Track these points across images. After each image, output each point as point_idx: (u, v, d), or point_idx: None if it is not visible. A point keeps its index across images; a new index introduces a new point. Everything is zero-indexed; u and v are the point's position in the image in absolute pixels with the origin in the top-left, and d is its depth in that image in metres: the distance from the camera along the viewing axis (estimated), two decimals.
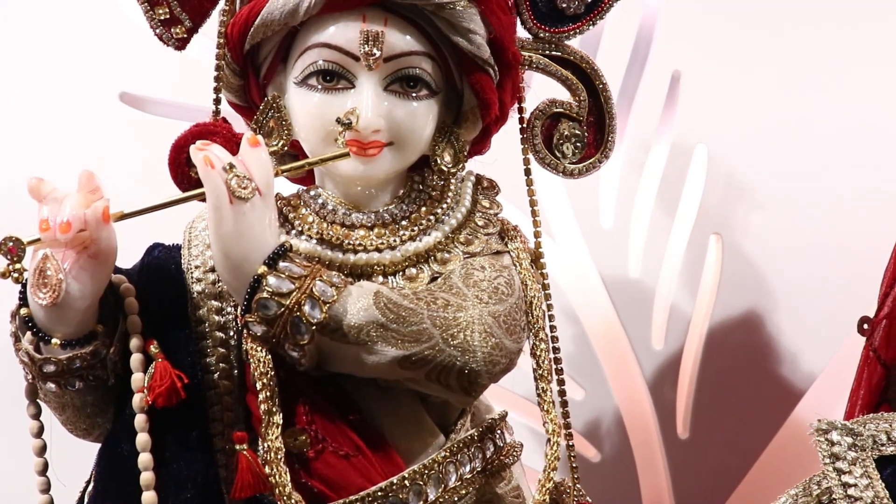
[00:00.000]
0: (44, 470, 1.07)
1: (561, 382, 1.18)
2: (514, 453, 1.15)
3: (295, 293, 0.99)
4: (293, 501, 1.02)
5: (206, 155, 1.01)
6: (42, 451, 1.07)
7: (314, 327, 1.00)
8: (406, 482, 1.04)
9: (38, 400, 1.07)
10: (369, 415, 1.06)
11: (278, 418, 1.03)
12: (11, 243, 1.00)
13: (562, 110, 1.18)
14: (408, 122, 1.08)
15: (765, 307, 1.76)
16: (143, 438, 1.04)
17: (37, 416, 1.07)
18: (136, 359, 1.05)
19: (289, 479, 1.02)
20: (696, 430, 1.79)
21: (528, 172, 1.19)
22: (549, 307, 1.16)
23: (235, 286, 1.03)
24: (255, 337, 1.02)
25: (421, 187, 1.15)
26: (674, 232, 1.80)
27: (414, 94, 1.08)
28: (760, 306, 1.76)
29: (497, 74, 1.12)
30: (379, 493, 1.03)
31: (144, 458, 1.04)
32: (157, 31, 1.11)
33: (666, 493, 1.80)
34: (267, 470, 1.02)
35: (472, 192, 1.17)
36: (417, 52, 1.07)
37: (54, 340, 1.03)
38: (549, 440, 1.10)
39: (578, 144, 1.18)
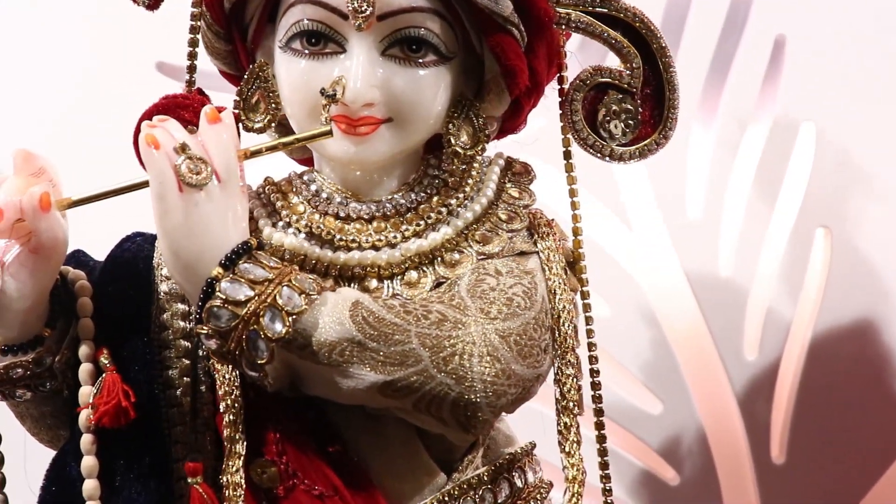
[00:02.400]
0: (2, 484, 0.98)
1: (599, 414, 1.01)
2: (540, 496, 1.00)
3: (252, 301, 0.85)
4: None
5: (148, 134, 0.87)
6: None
7: (274, 343, 0.85)
8: None
9: None
10: (353, 447, 0.92)
11: (241, 447, 0.91)
12: None
13: (609, 80, 0.98)
14: (410, 93, 0.92)
15: (879, 314, 1.64)
16: (89, 462, 0.93)
17: None
18: (84, 369, 0.95)
19: None
20: (794, 455, 1.66)
21: (567, 155, 1.01)
22: (589, 321, 1.00)
23: (189, 290, 0.89)
24: (211, 352, 0.90)
25: (435, 172, 0.99)
26: (773, 224, 1.67)
27: (419, 60, 0.92)
28: (874, 312, 1.64)
29: (524, 36, 0.95)
30: None
31: (90, 486, 0.93)
32: None
33: None
34: None
35: (499, 178, 1.00)
36: (421, 7, 0.92)
37: None
38: (566, 490, 0.95)
39: (630, 122, 0.98)
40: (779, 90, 1.64)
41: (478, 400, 0.85)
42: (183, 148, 0.87)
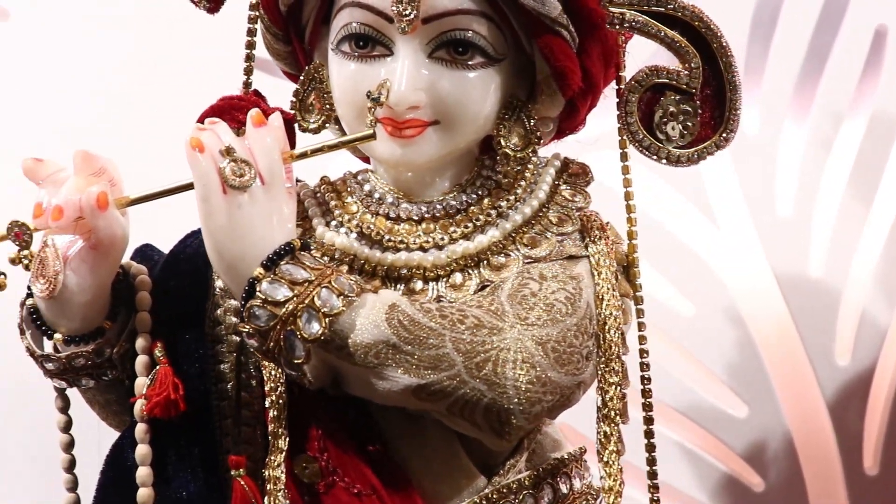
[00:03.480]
0: (70, 467, 1.03)
1: (649, 423, 0.99)
2: (586, 503, 0.99)
3: (291, 302, 0.86)
4: None
5: (192, 137, 0.90)
6: (69, 447, 1.02)
7: (310, 344, 0.87)
8: None
9: (66, 393, 1.03)
10: (393, 447, 0.93)
11: (283, 443, 0.93)
12: (17, 228, 0.94)
13: (666, 81, 0.94)
14: (456, 95, 0.92)
15: None
16: (142, 450, 0.96)
17: (64, 409, 1.03)
18: (140, 361, 0.97)
19: None
20: (890, 466, 1.64)
21: (623, 157, 0.98)
22: (641, 327, 0.98)
23: (234, 289, 0.91)
24: (254, 349, 0.92)
25: (489, 173, 0.99)
26: (869, 223, 1.65)
27: (466, 63, 0.92)
28: None
29: (575, 37, 0.94)
30: None
31: (143, 473, 0.96)
32: None
33: None
34: (266, 501, 0.93)
35: (553, 179, 0.99)
36: (467, 10, 0.92)
37: (57, 336, 0.96)
38: (601, 499, 0.95)
39: (689, 123, 0.95)
40: (879, 84, 1.61)
41: (510, 406, 0.85)
42: (228, 151, 0.89)
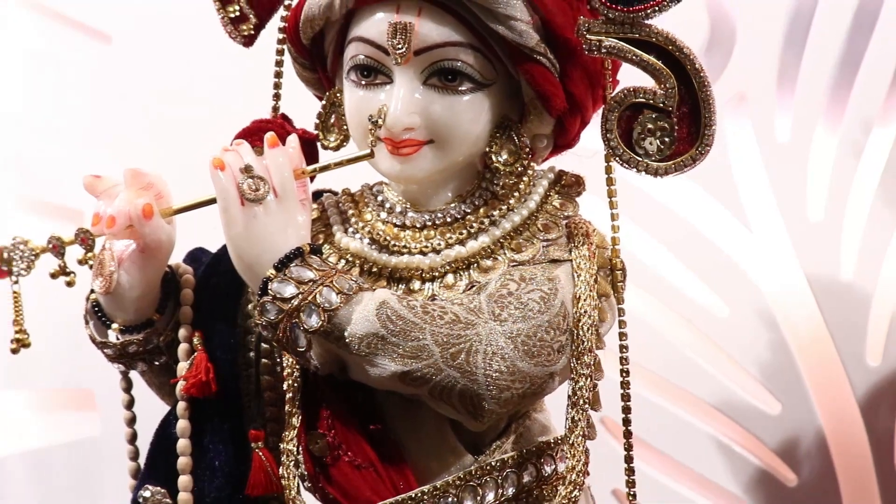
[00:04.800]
0: (132, 439, 1.15)
1: (627, 424, 1.05)
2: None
3: (296, 298, 0.97)
4: None
5: (215, 158, 1.01)
6: (131, 422, 1.15)
7: (311, 335, 0.98)
8: (411, 501, 1.00)
9: (129, 375, 1.15)
10: (391, 427, 1.03)
11: (296, 420, 1.04)
12: (83, 234, 1.06)
13: (644, 100, 1.00)
14: (447, 118, 1.01)
15: None
16: (182, 425, 1.09)
17: (127, 389, 1.15)
18: (181, 348, 1.09)
19: (297, 483, 1.03)
20: None
21: (608, 170, 1.05)
22: (622, 324, 1.05)
23: (252, 288, 1.03)
24: (268, 340, 1.04)
25: (487, 185, 1.07)
26: None
27: (457, 88, 1.01)
28: None
29: (555, 63, 1.02)
30: None
31: (183, 444, 1.08)
32: (227, 28, 1.12)
33: None
34: (280, 471, 1.04)
35: (546, 190, 1.07)
36: (454, 42, 1.00)
37: (114, 325, 1.08)
38: (565, 478, 1.00)
39: (666, 139, 1.01)
40: None
41: (481, 392, 0.94)
42: (247, 169, 1.00)
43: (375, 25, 1.00)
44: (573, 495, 0.98)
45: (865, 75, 1.64)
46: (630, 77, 1.02)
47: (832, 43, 1.65)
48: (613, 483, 1.67)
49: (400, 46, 0.99)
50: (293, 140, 1.03)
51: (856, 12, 1.64)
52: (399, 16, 0.99)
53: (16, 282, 1.03)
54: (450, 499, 1.00)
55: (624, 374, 1.04)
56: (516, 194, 1.05)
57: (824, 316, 1.66)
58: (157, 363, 1.10)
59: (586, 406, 0.99)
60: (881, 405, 1.65)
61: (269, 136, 1.02)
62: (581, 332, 0.99)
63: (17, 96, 1.76)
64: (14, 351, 1.03)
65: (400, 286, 1.03)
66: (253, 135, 1.06)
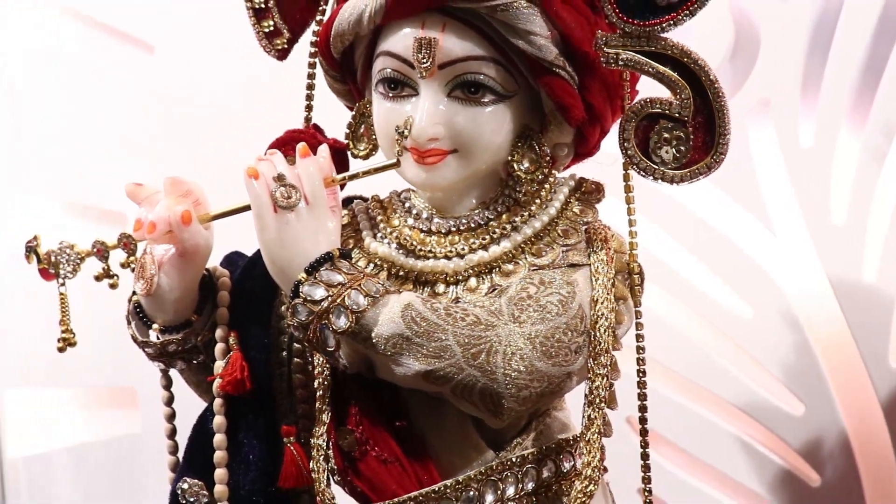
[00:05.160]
0: (172, 434, 1.19)
1: (643, 422, 1.08)
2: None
3: (325, 301, 1.01)
4: (328, 498, 1.07)
5: (249, 167, 1.05)
6: (171, 418, 1.19)
7: (339, 335, 1.02)
8: (434, 495, 1.04)
9: (168, 373, 1.19)
10: (416, 423, 1.07)
11: (326, 417, 1.08)
12: (125, 239, 1.11)
13: (659, 110, 1.03)
14: (470, 128, 1.05)
15: None
16: (218, 420, 1.13)
17: (167, 387, 1.19)
18: (218, 348, 1.13)
19: (326, 476, 1.08)
20: None
21: (626, 178, 1.08)
22: (639, 326, 1.08)
23: (285, 291, 1.07)
24: (300, 340, 1.07)
25: (510, 192, 1.11)
26: None
27: (479, 100, 1.05)
28: None
29: (574, 76, 1.05)
30: (409, 502, 1.04)
31: (219, 439, 1.12)
32: (262, 42, 1.16)
33: None
34: (311, 465, 1.08)
35: (566, 197, 1.10)
36: (477, 56, 1.04)
37: (155, 325, 1.12)
38: (580, 473, 1.03)
39: (682, 148, 1.04)
40: None
41: (501, 391, 0.98)
42: (280, 177, 1.04)
43: (402, 40, 1.04)
44: (589, 489, 1.01)
45: (888, 81, 1.64)
46: (647, 88, 1.05)
47: (855, 49, 1.66)
48: (639, 483, 1.71)
49: (425, 61, 1.03)
50: (324, 150, 1.07)
51: (879, 18, 1.64)
52: (424, 31, 1.03)
53: (62, 284, 1.06)
54: (471, 492, 1.03)
55: (641, 374, 1.07)
56: (537, 201, 1.08)
57: (847, 318, 1.67)
58: (195, 362, 1.14)
59: (602, 404, 1.02)
60: None
61: (301, 146, 1.06)
62: (598, 334, 1.02)
63: (63, 104, 1.80)
64: (61, 350, 1.07)
65: (425, 289, 1.07)
66: (286, 144, 1.10)
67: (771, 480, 1.71)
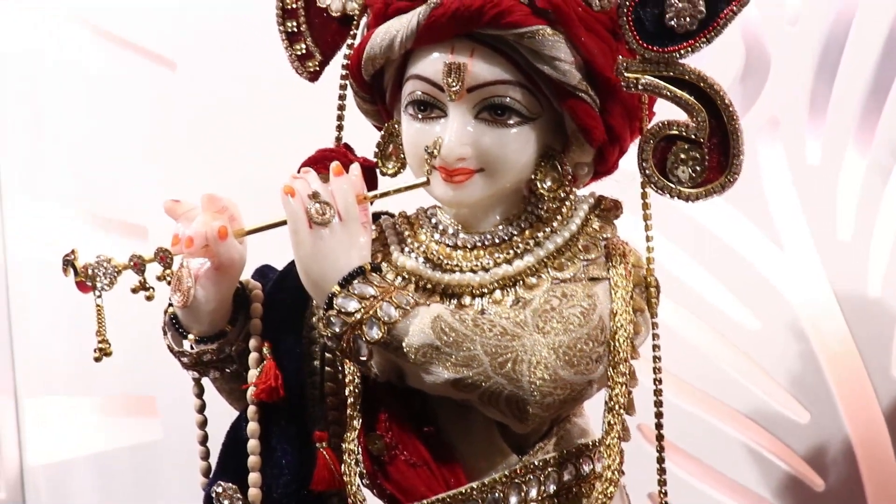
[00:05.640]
0: (203, 441, 1.22)
1: (659, 427, 1.12)
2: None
3: (359, 312, 1.04)
4: (359, 500, 1.10)
5: (286, 185, 1.09)
6: (203, 425, 1.21)
7: (372, 346, 1.05)
8: (461, 497, 1.07)
9: (201, 382, 1.21)
10: (444, 429, 1.10)
11: (357, 423, 1.11)
12: (162, 253, 1.14)
13: (676, 132, 1.08)
14: (496, 149, 1.09)
15: None
16: (252, 427, 1.15)
17: (199, 395, 1.21)
18: (252, 357, 1.16)
19: (357, 479, 1.10)
20: None
21: (643, 196, 1.12)
22: (655, 337, 1.12)
23: (318, 303, 1.10)
24: (331, 349, 1.11)
25: (532, 209, 1.14)
26: None
27: (505, 122, 1.08)
28: None
29: (596, 99, 1.09)
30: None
31: (252, 444, 1.15)
32: (294, 64, 1.20)
33: None
34: (342, 469, 1.11)
35: (586, 214, 1.14)
36: (504, 80, 1.08)
37: (190, 336, 1.14)
38: (602, 476, 1.07)
39: (698, 168, 1.08)
40: None
41: (526, 397, 1.02)
42: (314, 195, 1.07)
43: (432, 65, 1.08)
44: (609, 491, 1.05)
45: (894, 102, 1.67)
46: (664, 111, 1.10)
47: (862, 71, 1.68)
48: (649, 487, 1.67)
49: (454, 84, 1.07)
50: (356, 168, 1.11)
51: (885, 41, 1.67)
52: (453, 56, 1.07)
53: (99, 296, 1.09)
54: (497, 494, 1.07)
55: (657, 383, 1.11)
56: (559, 218, 1.12)
57: (852, 330, 1.69)
58: (228, 371, 1.17)
59: (622, 411, 1.07)
60: None
61: (335, 165, 1.09)
62: (617, 344, 1.06)
63: (87, 120, 1.83)
64: (97, 359, 1.10)
65: (452, 301, 1.11)
66: (318, 163, 1.13)
67: (777, 486, 1.74)
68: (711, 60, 1.61)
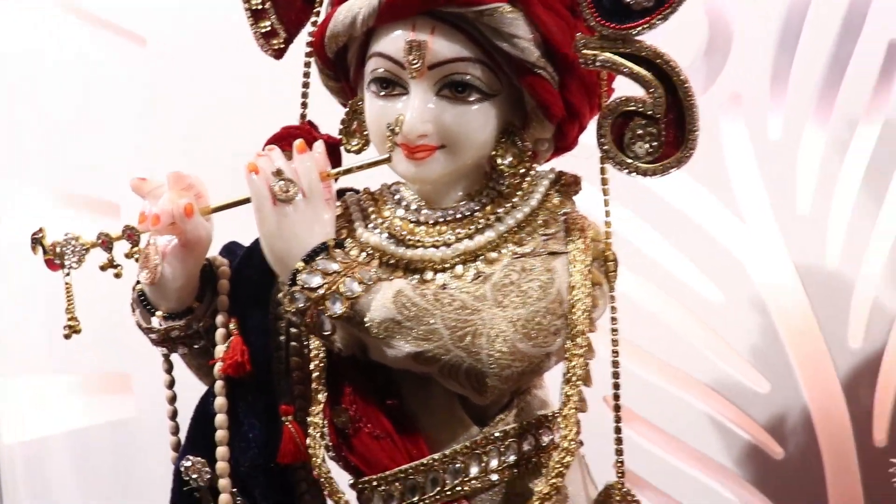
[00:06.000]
0: (173, 416, 1.23)
1: (616, 398, 1.15)
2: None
3: (323, 288, 1.06)
4: (324, 472, 1.12)
5: (250, 162, 1.10)
6: (172, 400, 1.23)
7: (335, 320, 1.07)
8: (423, 468, 1.09)
9: (170, 358, 1.23)
10: (406, 402, 1.12)
11: (322, 396, 1.13)
12: (129, 231, 1.15)
13: (634, 108, 1.09)
14: (457, 125, 1.10)
15: None
16: (220, 401, 1.17)
17: (169, 370, 1.23)
18: (219, 333, 1.18)
19: (322, 452, 1.12)
20: None
21: (602, 171, 1.14)
22: (614, 310, 1.13)
23: (283, 279, 1.11)
24: (296, 325, 1.12)
25: (494, 185, 1.15)
26: (881, 221, 1.72)
27: (466, 99, 1.10)
28: None
29: (555, 76, 1.11)
30: (400, 475, 1.10)
31: (220, 419, 1.17)
32: (259, 42, 1.20)
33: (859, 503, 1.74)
34: (308, 442, 1.12)
35: (546, 189, 1.16)
36: (464, 58, 1.09)
37: (158, 313, 1.16)
38: (559, 446, 1.08)
39: (654, 143, 1.09)
40: (892, 92, 1.67)
41: (485, 370, 1.03)
42: (278, 172, 1.08)
43: (393, 42, 1.09)
44: (566, 461, 1.07)
45: (851, 77, 1.68)
46: (623, 87, 1.10)
47: (821, 47, 1.70)
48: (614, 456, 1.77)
49: (415, 62, 1.08)
50: (319, 145, 1.12)
51: (844, 17, 1.68)
52: (414, 34, 1.08)
53: (68, 274, 1.10)
54: (457, 465, 1.09)
55: (614, 354, 1.13)
56: (520, 193, 1.14)
57: (811, 302, 1.71)
58: (196, 346, 1.18)
59: (579, 382, 1.08)
60: (861, 384, 1.70)
61: (299, 142, 1.10)
62: (575, 317, 1.07)
63: (59, 98, 1.83)
64: (67, 336, 1.11)
65: (415, 276, 1.12)
66: (283, 140, 1.14)
67: (737, 454, 1.76)
68: (676, 36, 1.63)
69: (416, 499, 1.09)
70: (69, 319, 1.10)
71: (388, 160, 1.11)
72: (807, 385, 1.74)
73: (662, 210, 1.76)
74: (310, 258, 1.07)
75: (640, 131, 1.09)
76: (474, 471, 1.09)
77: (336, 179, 1.13)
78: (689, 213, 1.76)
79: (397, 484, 1.10)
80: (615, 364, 1.13)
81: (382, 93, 1.11)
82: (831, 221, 1.71)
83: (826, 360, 1.72)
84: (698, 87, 1.56)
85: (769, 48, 1.73)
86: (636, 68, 1.08)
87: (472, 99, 1.09)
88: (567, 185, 1.16)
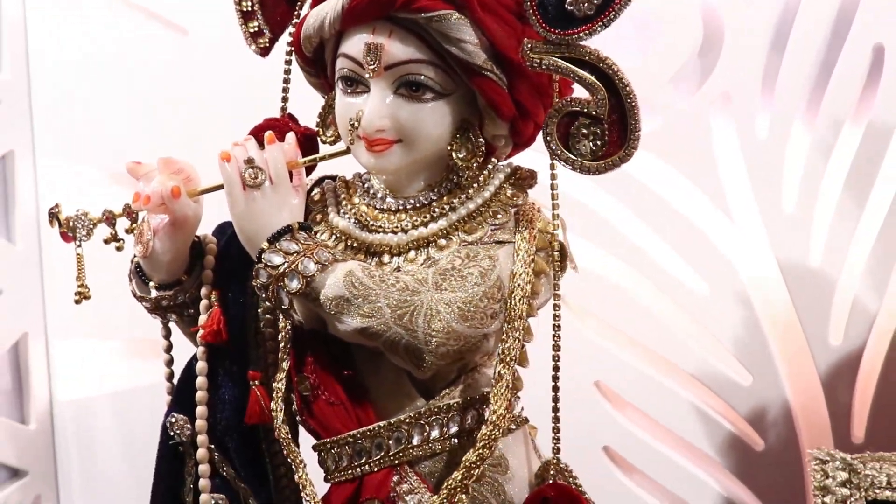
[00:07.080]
0: (170, 377, 1.32)
1: (555, 380, 1.19)
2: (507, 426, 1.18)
3: (283, 266, 1.14)
4: (283, 433, 1.21)
5: (223, 151, 1.19)
6: (170, 363, 1.33)
7: (292, 296, 1.15)
8: (369, 434, 1.17)
9: (168, 325, 1.32)
10: (360, 373, 1.19)
11: (285, 365, 1.22)
12: (129, 209, 1.24)
13: (578, 109, 1.15)
14: (412, 122, 1.17)
15: None
16: (200, 365, 1.27)
17: (167, 336, 1.32)
18: (202, 304, 1.28)
19: (282, 415, 1.20)
20: (873, 435, 1.74)
21: (552, 167, 1.19)
22: (557, 297, 1.19)
23: (253, 257, 1.19)
24: (262, 299, 1.20)
25: (452, 177, 1.22)
26: (863, 221, 1.74)
27: (420, 97, 1.16)
28: None
29: (503, 77, 1.16)
30: (349, 439, 1.18)
31: (201, 381, 1.27)
32: (248, 41, 1.29)
33: None
34: (271, 405, 1.21)
35: (501, 182, 1.22)
36: (417, 60, 1.15)
37: (151, 283, 1.26)
38: (486, 420, 1.14)
39: (598, 143, 1.15)
40: (877, 95, 1.68)
41: (421, 346, 1.11)
42: (249, 160, 1.18)
43: (355, 44, 1.16)
44: (493, 434, 1.12)
45: (837, 80, 1.70)
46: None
47: (810, 49, 1.72)
48: (605, 441, 1.80)
49: (372, 63, 1.15)
50: (290, 137, 1.20)
51: (833, 22, 1.70)
52: (373, 37, 1.14)
53: (79, 245, 1.19)
54: (401, 432, 1.16)
55: (556, 339, 1.18)
56: (475, 185, 1.20)
57: (793, 298, 1.73)
58: (186, 315, 1.28)
59: (513, 363, 1.14)
60: (841, 380, 1.73)
61: (268, 134, 1.19)
62: (513, 302, 1.14)
63: (112, 87, 1.87)
64: (77, 302, 1.19)
65: (374, 259, 1.19)
66: (263, 131, 1.22)
67: (720, 443, 1.79)
68: (672, 36, 1.65)
69: (362, 461, 1.17)
70: (80, 286, 1.18)
71: (346, 152, 1.19)
72: (788, 379, 1.76)
73: (654, 206, 1.79)
74: (274, 239, 1.15)
75: (584, 131, 1.15)
76: (416, 439, 1.16)
77: (309, 168, 1.21)
78: (680, 210, 1.79)
79: (347, 448, 1.18)
80: (556, 348, 1.18)
81: (348, 90, 1.18)
82: (815, 220, 1.73)
83: (807, 356, 1.74)
84: (691, 86, 1.60)
85: (760, 50, 1.75)
86: (580, 72, 1.13)
87: (426, 97, 1.15)
88: (522, 178, 1.22)
